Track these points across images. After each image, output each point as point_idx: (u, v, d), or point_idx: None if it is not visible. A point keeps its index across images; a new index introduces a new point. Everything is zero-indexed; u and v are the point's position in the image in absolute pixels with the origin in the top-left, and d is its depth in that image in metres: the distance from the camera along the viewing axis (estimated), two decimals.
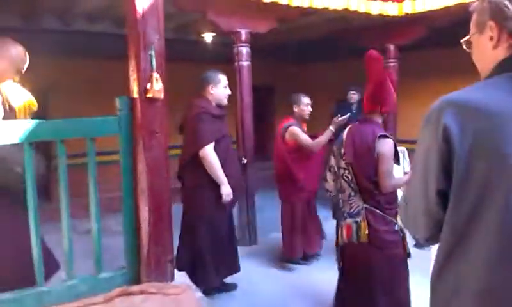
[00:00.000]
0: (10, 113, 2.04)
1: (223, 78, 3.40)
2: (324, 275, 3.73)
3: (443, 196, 1.01)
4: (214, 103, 3.38)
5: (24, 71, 2.18)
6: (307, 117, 4.33)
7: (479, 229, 0.96)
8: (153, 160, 2.01)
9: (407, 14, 4.97)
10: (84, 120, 1.98)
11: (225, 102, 3.43)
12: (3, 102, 2.05)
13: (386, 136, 2.63)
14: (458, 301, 1.02)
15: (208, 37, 6.52)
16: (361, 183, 2.61)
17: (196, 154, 3.26)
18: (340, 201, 2.75)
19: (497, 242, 0.94)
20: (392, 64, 5.84)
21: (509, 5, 1.02)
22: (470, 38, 1.14)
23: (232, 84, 4.58)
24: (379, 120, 2.73)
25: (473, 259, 0.98)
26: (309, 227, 4.20)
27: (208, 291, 3.31)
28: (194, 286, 2.15)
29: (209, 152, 3.23)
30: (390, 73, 2.87)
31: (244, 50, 4.49)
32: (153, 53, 2.03)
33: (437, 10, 4.77)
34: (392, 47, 5.79)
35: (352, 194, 2.65)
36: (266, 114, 8.73)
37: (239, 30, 4.45)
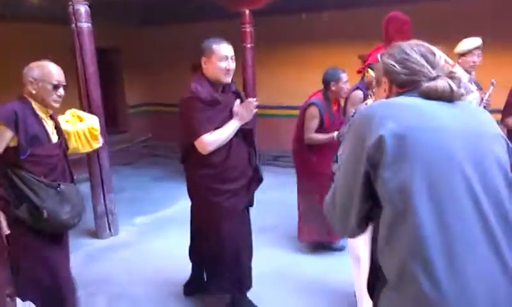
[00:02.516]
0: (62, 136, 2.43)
1: (217, 48, 2.59)
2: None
3: (368, 179, 1.18)
4: (210, 82, 2.63)
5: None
6: (344, 96, 3.68)
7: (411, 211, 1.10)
8: None
9: None
10: None
11: (224, 79, 2.62)
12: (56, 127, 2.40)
13: None
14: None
15: None
16: None
17: (190, 148, 2.63)
18: None
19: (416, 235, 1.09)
20: (247, 29, 5.69)
21: (395, 64, 1.33)
22: (373, 89, 1.53)
23: (69, 50, 3.85)
24: None
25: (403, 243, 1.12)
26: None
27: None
28: None
29: (206, 141, 2.56)
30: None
31: (83, 8, 3.75)
32: None
33: None
34: (247, 12, 5.61)
35: None
36: (114, 79, 7.92)
37: None
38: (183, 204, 5.26)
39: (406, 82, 1.31)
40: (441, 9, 5.31)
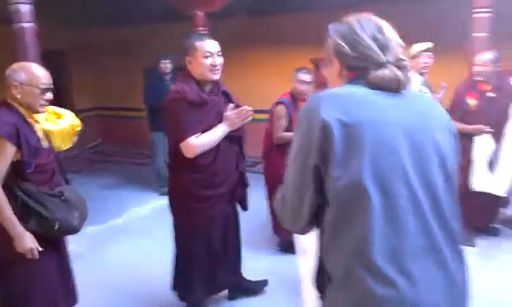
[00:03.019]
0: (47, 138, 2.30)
1: (201, 45, 2.50)
2: None
3: (318, 174, 1.16)
4: (197, 82, 2.54)
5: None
6: (304, 96, 3.65)
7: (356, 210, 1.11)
8: None
9: None
10: None
11: (210, 76, 2.52)
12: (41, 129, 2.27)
13: None
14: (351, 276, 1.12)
15: None
16: None
17: (176, 151, 2.52)
18: None
19: (365, 226, 1.09)
20: (202, 32, 5.62)
21: (344, 44, 1.25)
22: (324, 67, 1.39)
23: (11, 53, 3.61)
24: None
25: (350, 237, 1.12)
26: None
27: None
28: None
29: (192, 144, 2.45)
30: None
31: (26, 7, 3.51)
32: None
33: None
34: (200, 14, 5.53)
35: None
36: (61, 82, 7.56)
37: None
38: (134, 213, 5.13)
39: (355, 67, 1.26)
40: (393, 14, 5.50)
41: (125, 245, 4.17)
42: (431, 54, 3.71)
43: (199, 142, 2.46)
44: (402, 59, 1.24)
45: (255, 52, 6.68)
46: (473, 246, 3.84)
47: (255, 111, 5.42)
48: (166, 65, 5.39)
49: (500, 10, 3.98)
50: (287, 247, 3.77)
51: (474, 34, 4.08)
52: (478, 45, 4.03)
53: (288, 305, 3.00)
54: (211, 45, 2.53)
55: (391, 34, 1.26)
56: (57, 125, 2.45)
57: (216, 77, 2.54)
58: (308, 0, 5.56)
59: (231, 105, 2.59)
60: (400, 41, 1.27)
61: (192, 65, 2.53)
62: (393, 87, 1.22)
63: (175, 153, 2.56)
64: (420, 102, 1.28)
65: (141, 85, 6.53)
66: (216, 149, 2.55)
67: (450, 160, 1.22)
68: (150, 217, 4.82)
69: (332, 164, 1.13)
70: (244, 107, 2.59)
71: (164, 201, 5.65)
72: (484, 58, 3.71)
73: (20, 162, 2.06)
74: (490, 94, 3.74)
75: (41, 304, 2.20)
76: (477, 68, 3.75)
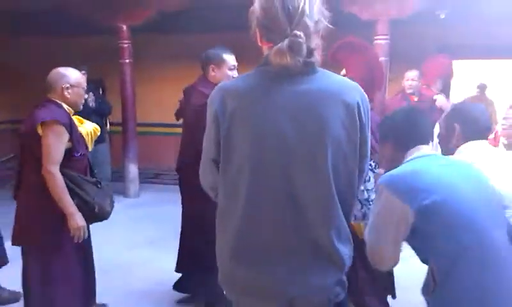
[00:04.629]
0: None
1: (228, 58, 2.75)
2: None
3: (217, 163, 1.27)
4: None
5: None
6: None
7: (240, 188, 1.20)
8: None
9: None
10: None
11: None
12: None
13: None
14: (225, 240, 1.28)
15: None
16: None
17: (198, 152, 2.50)
18: None
19: (246, 199, 1.19)
20: (125, 45, 5.63)
21: (259, 9, 1.17)
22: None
23: None
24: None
25: (233, 215, 1.23)
26: None
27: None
28: None
29: None
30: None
31: None
32: None
33: None
34: (124, 28, 5.55)
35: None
36: None
37: None
38: None
39: (269, 38, 1.16)
40: None
41: None
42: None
43: None
44: (294, 35, 1.08)
45: (181, 66, 6.78)
46: None
47: (172, 125, 5.48)
48: (83, 75, 5.34)
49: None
50: None
51: None
52: None
53: None
54: (234, 59, 2.82)
55: (308, 3, 1.12)
56: (84, 128, 2.66)
57: None
58: (215, 22, 5.70)
59: None
60: (322, 11, 1.16)
61: (215, 73, 2.79)
62: (288, 72, 1.13)
63: (197, 154, 2.72)
64: (317, 96, 1.16)
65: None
66: None
67: (337, 165, 1.18)
68: None
69: (220, 155, 1.22)
70: None
71: None
72: (413, 74, 4.23)
73: (69, 149, 2.31)
74: (435, 97, 4.20)
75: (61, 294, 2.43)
76: (407, 83, 4.24)
